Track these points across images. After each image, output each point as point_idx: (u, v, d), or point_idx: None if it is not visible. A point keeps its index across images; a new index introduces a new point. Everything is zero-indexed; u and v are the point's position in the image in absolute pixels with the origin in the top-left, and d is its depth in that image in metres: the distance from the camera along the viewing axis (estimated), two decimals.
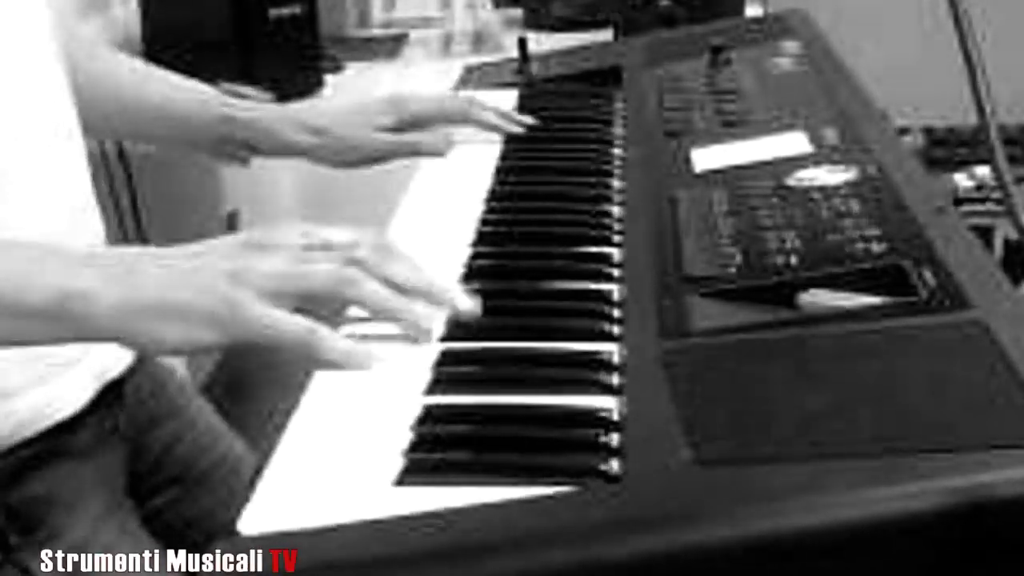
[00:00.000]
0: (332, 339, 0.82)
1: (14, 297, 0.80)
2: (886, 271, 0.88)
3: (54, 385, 0.98)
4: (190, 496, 1.16)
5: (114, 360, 1.05)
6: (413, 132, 1.28)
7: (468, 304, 0.88)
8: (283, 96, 1.29)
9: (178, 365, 1.64)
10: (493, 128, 1.30)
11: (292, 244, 0.83)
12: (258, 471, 0.74)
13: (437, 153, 1.27)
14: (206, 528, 1.16)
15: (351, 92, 2.16)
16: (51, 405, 0.98)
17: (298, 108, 1.28)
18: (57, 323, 0.81)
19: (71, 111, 1.04)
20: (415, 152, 1.28)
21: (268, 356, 0.80)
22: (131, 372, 1.09)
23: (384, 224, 1.12)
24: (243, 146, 1.25)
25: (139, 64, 1.26)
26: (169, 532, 1.11)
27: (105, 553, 0.98)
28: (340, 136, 1.26)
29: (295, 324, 0.81)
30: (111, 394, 1.05)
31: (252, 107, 1.25)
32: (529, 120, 1.32)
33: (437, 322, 0.87)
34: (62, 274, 0.81)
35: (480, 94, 1.44)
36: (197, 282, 0.80)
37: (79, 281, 0.80)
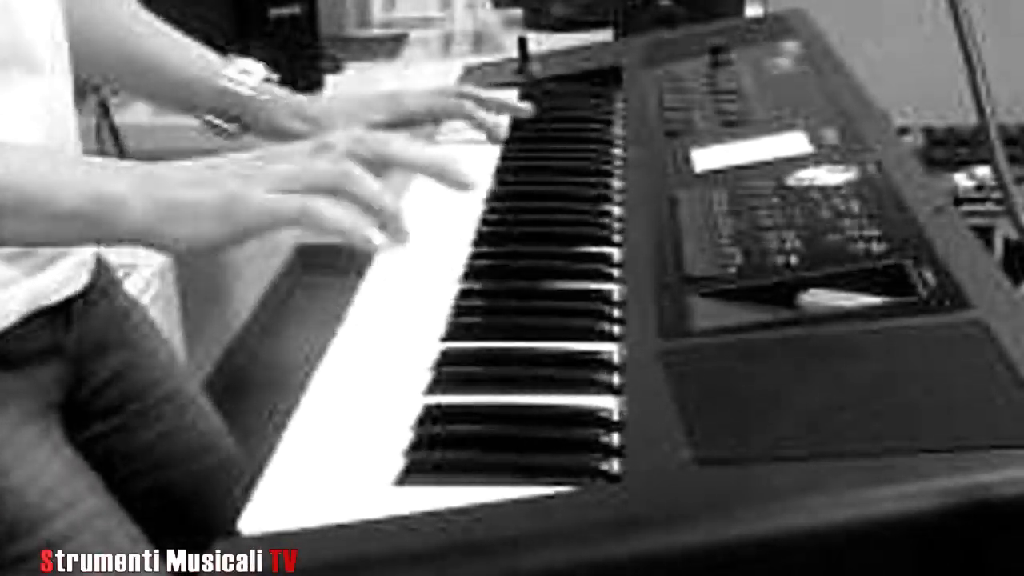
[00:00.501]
0: (328, 207, 0.84)
1: (48, 201, 0.85)
2: (886, 271, 0.88)
3: None
4: (130, 427, 1.15)
5: (54, 288, 1.05)
6: (406, 130, 1.29)
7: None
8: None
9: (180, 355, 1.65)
10: (485, 127, 1.30)
11: (298, 151, 0.88)
12: (258, 471, 0.74)
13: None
14: (142, 462, 1.16)
15: (351, 88, 2.16)
16: None
17: (295, 96, 1.28)
18: (88, 225, 0.86)
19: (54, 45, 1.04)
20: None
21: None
22: (86, 298, 1.10)
23: None
24: (234, 121, 1.26)
25: (144, 15, 1.25)
26: (106, 460, 1.10)
27: (18, 455, 0.98)
28: (331, 128, 1.25)
29: (291, 199, 0.84)
30: (52, 316, 1.05)
31: (250, 85, 1.25)
32: (526, 106, 1.33)
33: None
34: (95, 179, 0.86)
35: (482, 92, 1.44)
36: (212, 181, 0.86)
37: (112, 185, 0.85)
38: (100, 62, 1.21)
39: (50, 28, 1.02)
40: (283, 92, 1.27)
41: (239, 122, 1.26)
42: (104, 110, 1.99)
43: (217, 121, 1.26)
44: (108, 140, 2.00)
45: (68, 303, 1.07)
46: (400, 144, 0.91)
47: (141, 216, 0.85)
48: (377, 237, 0.85)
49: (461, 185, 0.92)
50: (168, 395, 1.19)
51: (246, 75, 1.25)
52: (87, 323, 1.10)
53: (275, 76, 1.29)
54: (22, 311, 1.01)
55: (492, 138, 1.30)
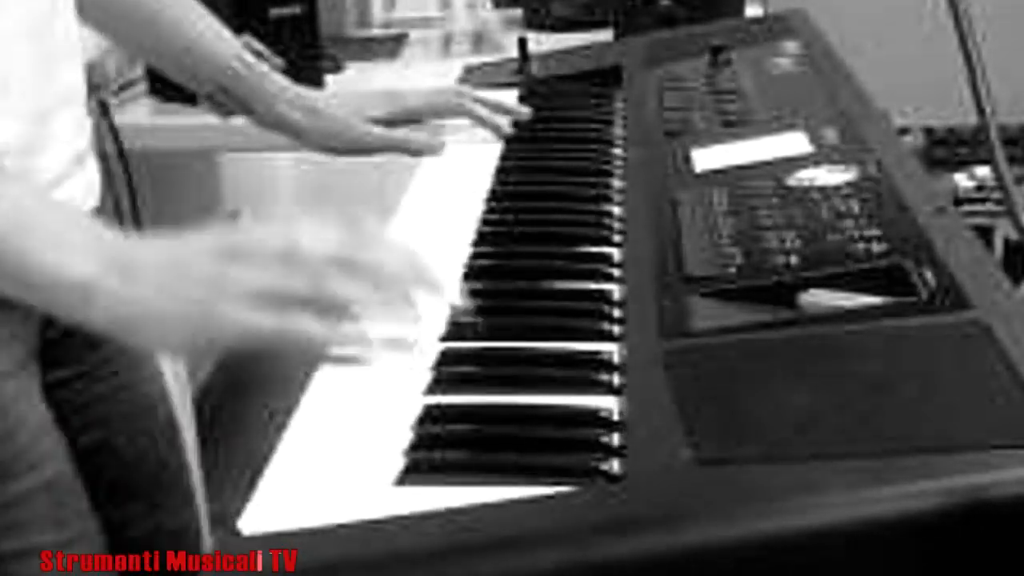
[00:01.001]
0: (307, 330, 0.82)
1: (17, 270, 0.83)
2: (886, 271, 0.88)
3: None
4: (84, 378, 1.14)
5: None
6: (405, 127, 1.30)
7: (461, 301, 0.89)
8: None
9: (178, 367, 1.65)
10: (486, 123, 1.31)
11: (272, 257, 0.83)
12: (258, 471, 0.74)
13: (427, 152, 1.29)
14: (94, 414, 1.15)
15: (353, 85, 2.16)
16: None
17: (299, 88, 1.29)
18: (51, 303, 0.85)
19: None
20: (404, 149, 1.30)
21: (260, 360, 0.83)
22: None
23: (384, 224, 1.11)
24: (238, 103, 1.27)
25: None
26: (59, 410, 1.09)
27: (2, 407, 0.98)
28: (330, 120, 1.28)
29: (267, 322, 0.81)
30: None
31: (260, 70, 1.26)
32: (525, 110, 1.34)
33: (433, 312, 0.87)
34: (69, 258, 0.83)
35: (480, 94, 1.44)
36: (180, 291, 0.82)
37: (83, 270, 0.83)
38: (122, 22, 1.22)
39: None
40: (287, 83, 1.28)
41: (242, 106, 1.27)
42: (104, 110, 1.98)
43: (221, 99, 1.26)
44: (108, 140, 2.00)
45: None
46: (387, 252, 0.86)
47: (103, 316, 0.83)
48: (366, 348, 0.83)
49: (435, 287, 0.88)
50: (121, 349, 1.17)
51: (257, 58, 1.26)
52: None
53: (279, 63, 1.31)
54: None
55: (496, 134, 1.31)
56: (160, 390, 1.23)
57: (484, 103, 1.33)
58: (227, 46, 1.25)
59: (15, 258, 0.83)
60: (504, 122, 1.32)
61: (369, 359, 0.84)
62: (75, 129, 1.06)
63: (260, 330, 0.82)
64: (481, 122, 1.32)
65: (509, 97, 1.44)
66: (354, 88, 2.18)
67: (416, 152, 1.29)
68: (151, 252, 0.85)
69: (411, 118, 1.32)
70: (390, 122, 1.31)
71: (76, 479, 1.04)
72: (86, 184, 1.08)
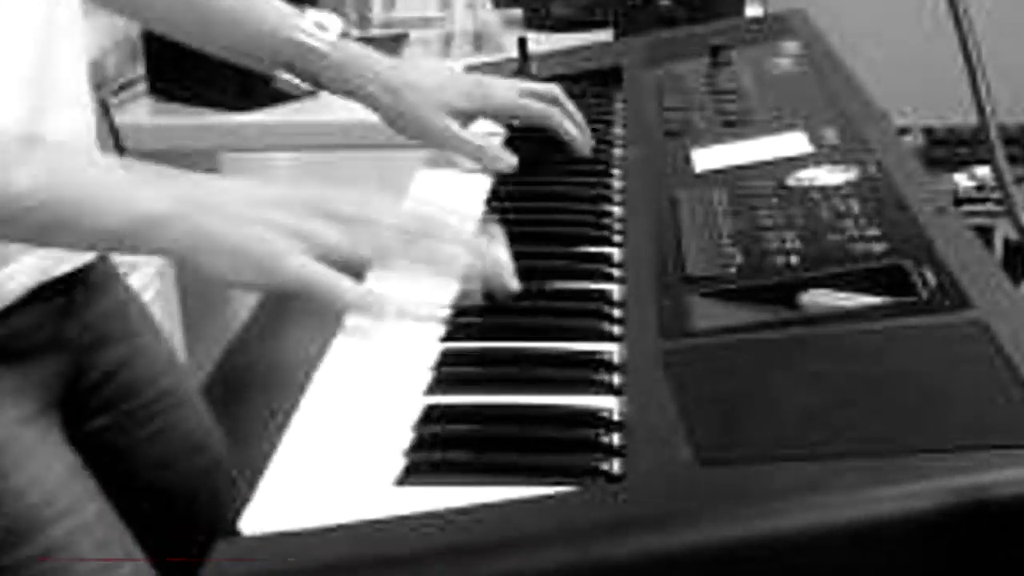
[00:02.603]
0: (354, 289, 0.88)
1: (89, 217, 0.87)
2: (886, 271, 0.88)
3: None
4: (127, 424, 1.15)
5: (54, 262, 1.04)
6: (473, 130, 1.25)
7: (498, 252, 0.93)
8: (282, 97, 1.27)
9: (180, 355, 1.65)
10: (569, 141, 1.23)
11: (347, 216, 0.89)
12: (258, 471, 0.74)
13: (499, 166, 1.21)
14: (137, 459, 1.15)
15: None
16: None
17: (377, 58, 1.23)
18: (128, 242, 0.88)
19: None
20: (475, 158, 1.23)
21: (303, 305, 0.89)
22: (88, 288, 1.09)
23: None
24: (307, 77, 1.22)
25: None
26: (103, 457, 1.09)
27: (18, 458, 0.97)
28: (410, 104, 1.21)
29: (324, 275, 0.87)
30: (54, 305, 1.05)
31: (328, 40, 1.20)
32: (586, 146, 1.25)
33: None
34: (141, 198, 0.87)
35: (572, 107, 1.44)
36: (258, 231, 0.87)
37: (157, 206, 0.87)
38: (173, 18, 1.21)
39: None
40: (364, 51, 1.23)
41: (312, 79, 1.22)
42: (104, 110, 1.98)
43: (290, 77, 1.22)
44: (108, 140, 2.00)
45: (70, 289, 1.06)
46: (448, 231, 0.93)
47: (181, 242, 0.87)
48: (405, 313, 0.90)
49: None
50: (164, 392, 1.18)
51: (322, 30, 1.20)
52: (89, 313, 1.10)
53: (353, 31, 1.24)
54: (28, 284, 1.01)
55: (574, 149, 1.24)
56: (206, 427, 1.23)
57: (572, 118, 1.25)
58: (289, 21, 1.20)
59: (90, 204, 0.87)
60: (587, 145, 1.24)
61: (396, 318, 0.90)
62: None
63: (317, 281, 0.87)
64: (565, 139, 1.23)
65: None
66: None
67: (488, 166, 1.22)
68: (227, 186, 0.90)
69: (495, 114, 1.26)
70: (472, 115, 1.24)
71: (118, 518, 1.03)
72: None
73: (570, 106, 1.25)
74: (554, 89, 1.27)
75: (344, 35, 1.21)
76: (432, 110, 1.21)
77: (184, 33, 1.25)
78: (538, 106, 1.24)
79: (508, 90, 1.25)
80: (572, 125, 1.24)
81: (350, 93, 1.22)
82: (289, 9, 1.21)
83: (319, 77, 1.21)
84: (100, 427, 1.13)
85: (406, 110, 1.21)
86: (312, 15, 1.21)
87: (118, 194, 0.88)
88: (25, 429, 0.99)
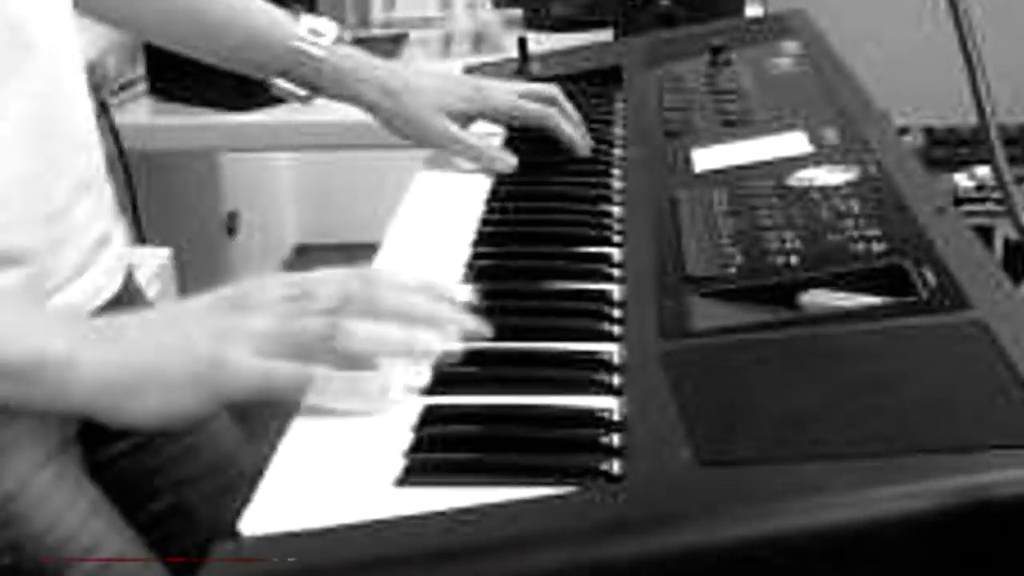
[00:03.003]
0: (327, 378, 0.79)
1: None
2: (886, 271, 0.88)
3: None
4: (146, 448, 1.12)
5: (85, 299, 1.01)
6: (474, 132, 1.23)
7: (473, 325, 0.84)
8: (282, 97, 1.26)
9: None
10: (568, 142, 1.23)
11: (275, 300, 0.80)
12: (259, 472, 0.74)
13: (498, 167, 1.21)
14: (163, 479, 1.13)
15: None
16: None
17: (375, 63, 1.22)
18: (32, 386, 0.78)
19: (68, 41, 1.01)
20: (475, 159, 1.22)
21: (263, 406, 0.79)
22: (115, 309, 1.05)
23: (384, 224, 1.11)
24: (304, 84, 1.21)
25: None
26: (121, 482, 1.07)
27: (37, 500, 0.94)
28: (408, 107, 1.21)
29: (284, 368, 0.77)
30: None
31: (323, 45, 1.19)
32: (584, 148, 1.23)
33: (441, 344, 0.82)
34: (41, 334, 0.78)
35: (569, 107, 1.44)
36: (176, 344, 0.78)
37: (59, 343, 0.77)
38: (169, 29, 1.19)
39: (48, 6, 0.99)
40: (362, 55, 1.22)
41: (309, 85, 1.21)
42: (104, 110, 1.98)
43: (287, 85, 1.21)
44: (108, 140, 2.00)
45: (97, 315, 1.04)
46: (391, 298, 0.82)
47: (91, 383, 0.76)
48: (389, 385, 0.80)
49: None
50: None
51: (317, 35, 1.20)
52: None
53: (347, 35, 1.23)
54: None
55: (573, 150, 1.23)
56: (230, 444, 1.20)
57: (571, 120, 1.24)
58: (285, 28, 1.19)
59: None
60: (585, 146, 1.23)
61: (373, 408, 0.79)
62: (94, 212, 1.03)
63: (272, 377, 0.77)
64: (564, 141, 1.23)
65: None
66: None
67: (487, 167, 1.21)
68: (139, 317, 0.82)
69: (494, 117, 1.25)
70: (470, 117, 1.24)
71: (144, 548, 1.01)
72: (111, 262, 1.05)
73: (568, 107, 1.26)
74: (552, 90, 1.27)
75: (339, 40, 1.21)
76: (431, 112, 1.21)
77: (180, 42, 1.24)
78: (535, 107, 1.24)
79: (506, 92, 1.26)
80: (569, 125, 1.24)
81: (348, 98, 1.22)
82: (284, 16, 1.21)
83: (316, 83, 1.21)
84: (121, 451, 1.11)
85: (405, 113, 1.21)
86: (307, 21, 1.20)
87: (17, 330, 0.78)
88: (43, 470, 0.96)
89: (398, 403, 0.79)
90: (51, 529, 0.95)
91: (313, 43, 1.19)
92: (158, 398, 0.77)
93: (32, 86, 0.95)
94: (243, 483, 1.19)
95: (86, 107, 1.04)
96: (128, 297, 1.13)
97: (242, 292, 0.81)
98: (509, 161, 1.21)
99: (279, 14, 1.21)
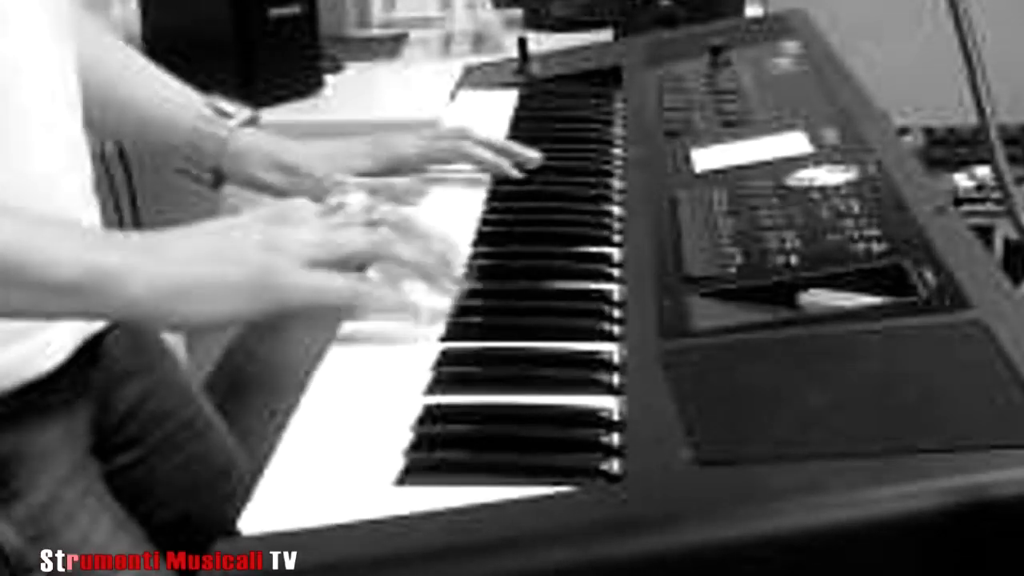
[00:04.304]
0: (381, 292, 0.85)
1: (42, 271, 0.80)
2: (886, 271, 0.88)
3: (34, 341, 0.95)
4: (152, 458, 1.13)
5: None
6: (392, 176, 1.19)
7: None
8: (283, 97, 1.25)
9: (180, 355, 1.64)
10: (490, 167, 1.18)
11: (315, 214, 0.85)
12: (258, 471, 0.74)
13: (410, 203, 1.14)
14: (165, 492, 1.14)
15: (351, 92, 2.15)
16: (29, 361, 0.95)
17: (270, 141, 1.18)
18: (83, 299, 0.81)
19: (65, 53, 1.00)
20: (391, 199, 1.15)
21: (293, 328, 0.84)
22: (110, 327, 1.06)
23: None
24: (209, 170, 1.17)
25: (136, 58, 1.19)
26: (130, 492, 1.07)
27: (67, 515, 0.95)
28: (310, 179, 1.16)
29: (341, 282, 0.83)
30: (88, 351, 1.02)
31: (228, 126, 1.16)
32: (535, 155, 1.20)
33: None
34: (92, 251, 0.81)
35: (480, 94, 1.44)
36: (229, 254, 0.81)
37: (110, 258, 0.81)
38: (93, 110, 1.12)
39: (59, 84, 0.98)
40: (264, 138, 1.18)
41: (214, 172, 1.17)
42: None
43: (190, 168, 1.18)
44: (108, 140, 2.00)
45: (99, 337, 1.04)
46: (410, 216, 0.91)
47: (145, 293, 0.80)
48: (424, 309, 0.87)
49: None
50: (185, 423, 1.17)
51: (224, 116, 1.17)
52: (112, 351, 1.08)
53: (258, 116, 1.19)
54: (76, 343, 0.99)
55: (496, 175, 1.19)
56: (229, 452, 1.21)
57: (488, 145, 1.19)
58: (193, 108, 1.16)
59: (44, 256, 0.80)
60: (508, 166, 1.18)
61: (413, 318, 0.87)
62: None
63: (326, 289, 0.82)
64: (485, 167, 1.19)
65: (509, 97, 1.44)
66: (354, 88, 2.16)
67: (401, 202, 1.14)
68: (183, 231, 0.85)
69: (403, 168, 1.19)
70: (378, 172, 1.18)
71: (165, 567, 1.02)
72: None
73: (481, 136, 1.21)
74: (460, 127, 1.23)
75: (251, 123, 1.18)
76: (335, 178, 1.16)
77: (103, 125, 1.19)
78: (444, 143, 1.20)
79: (412, 140, 1.20)
80: (487, 151, 1.19)
81: (247, 182, 1.18)
82: (196, 97, 1.17)
83: (218, 167, 1.17)
84: (127, 463, 1.11)
85: (307, 182, 1.16)
86: (216, 102, 1.17)
87: (75, 247, 0.81)
88: (70, 485, 0.97)
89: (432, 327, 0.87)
90: (83, 543, 0.95)
91: (216, 123, 1.16)
92: (211, 304, 0.81)
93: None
94: (245, 488, 1.20)
95: (78, 131, 1.03)
96: None
97: (280, 209, 0.85)
98: (419, 188, 1.17)
99: (192, 94, 1.18)
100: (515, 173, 1.18)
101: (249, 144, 1.17)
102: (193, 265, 0.81)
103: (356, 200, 0.92)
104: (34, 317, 0.90)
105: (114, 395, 1.10)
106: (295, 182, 1.16)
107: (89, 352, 1.03)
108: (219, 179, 1.19)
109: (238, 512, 1.19)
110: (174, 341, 2.05)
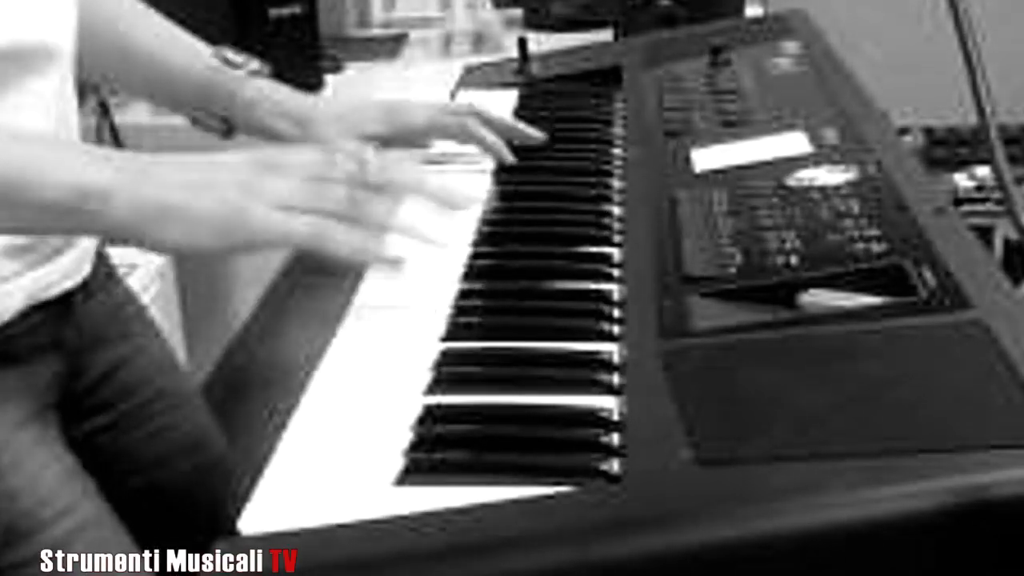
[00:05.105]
0: (344, 234, 0.85)
1: (30, 190, 0.83)
2: (886, 271, 0.88)
3: None
4: (122, 422, 1.14)
5: (55, 282, 1.03)
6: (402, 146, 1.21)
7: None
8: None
9: (180, 355, 1.64)
10: (490, 149, 1.21)
11: (304, 165, 0.87)
12: (258, 471, 0.74)
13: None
14: (135, 460, 1.14)
15: (351, 92, 2.15)
16: None
17: (281, 90, 1.19)
18: (70, 217, 0.84)
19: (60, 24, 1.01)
20: None
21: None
22: (86, 291, 1.08)
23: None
24: (219, 119, 1.19)
25: (142, 9, 1.19)
26: (102, 457, 1.09)
27: (14, 460, 0.96)
28: (322, 134, 1.17)
29: (301, 221, 0.84)
30: (52, 309, 1.03)
31: (237, 79, 1.17)
32: (536, 133, 1.23)
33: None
34: (80, 169, 0.84)
35: (480, 94, 1.44)
36: (209, 189, 0.84)
37: (98, 177, 0.83)
38: (99, 61, 1.17)
39: (70, 19, 1.01)
40: (274, 87, 1.19)
41: (224, 120, 1.19)
42: (104, 110, 1.98)
43: (201, 116, 1.19)
44: (108, 140, 2.00)
45: (68, 295, 1.06)
46: (404, 172, 0.91)
47: (126, 213, 0.83)
48: (388, 254, 0.87)
49: (460, 207, 0.95)
50: (162, 392, 1.17)
51: (233, 67, 1.18)
52: (87, 315, 1.09)
53: (266, 69, 1.20)
54: (21, 306, 1.00)
55: (496, 157, 1.21)
56: (205, 427, 1.21)
57: (492, 125, 1.21)
58: (203, 59, 1.18)
59: (31, 173, 0.83)
60: (506, 152, 1.20)
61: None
62: None
63: (291, 232, 0.84)
64: (486, 148, 1.20)
65: (509, 97, 1.44)
66: (354, 90, 2.16)
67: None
68: (174, 157, 0.87)
69: (412, 138, 1.22)
70: (387, 138, 1.20)
71: (117, 519, 1.02)
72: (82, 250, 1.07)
73: (491, 115, 1.22)
74: (471, 104, 1.24)
75: (257, 73, 1.19)
76: (344, 135, 1.17)
77: (110, 76, 1.23)
78: (453, 119, 1.21)
79: (423, 110, 1.22)
80: (491, 133, 1.20)
81: (259, 130, 1.18)
82: (204, 48, 1.19)
83: (230, 115, 1.18)
84: (98, 427, 1.12)
85: (316, 138, 1.17)
86: (225, 52, 1.18)
87: (62, 164, 0.84)
88: (23, 431, 0.99)
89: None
90: (29, 487, 0.97)
91: (226, 73, 1.17)
92: (181, 232, 0.84)
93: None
94: (221, 466, 1.21)
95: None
96: (102, 269, 1.14)
97: (273, 156, 0.88)
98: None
99: (200, 45, 1.19)
100: (511, 159, 1.20)
101: (259, 93, 1.18)
102: (174, 191, 0.84)
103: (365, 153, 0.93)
104: (23, 232, 0.94)
105: (89, 358, 1.11)
106: (303, 136, 1.17)
107: (55, 310, 1.04)
108: (230, 128, 1.20)
109: (211, 487, 1.19)
110: (174, 341, 2.06)
